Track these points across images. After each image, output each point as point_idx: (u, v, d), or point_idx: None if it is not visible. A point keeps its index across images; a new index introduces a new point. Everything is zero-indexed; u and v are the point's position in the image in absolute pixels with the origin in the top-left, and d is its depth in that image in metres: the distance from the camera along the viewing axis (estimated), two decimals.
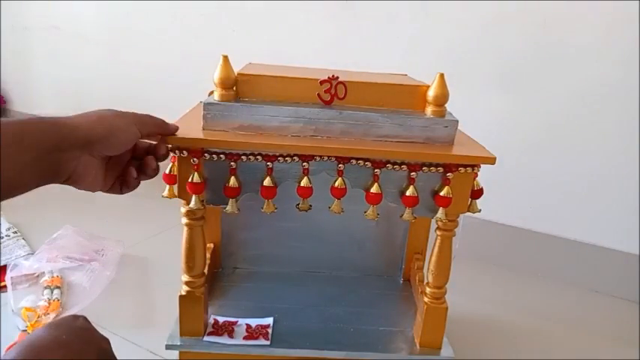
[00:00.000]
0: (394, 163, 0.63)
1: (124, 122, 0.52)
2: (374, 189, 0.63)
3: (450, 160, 0.63)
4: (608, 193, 1.12)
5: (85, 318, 0.49)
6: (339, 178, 0.63)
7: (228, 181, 0.62)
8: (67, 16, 1.71)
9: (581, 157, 1.13)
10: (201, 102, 0.66)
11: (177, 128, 0.60)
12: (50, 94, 1.88)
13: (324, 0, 1.26)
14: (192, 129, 0.63)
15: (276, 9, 1.33)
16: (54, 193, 1.30)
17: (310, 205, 0.65)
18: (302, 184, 0.63)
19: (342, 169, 0.63)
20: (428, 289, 0.72)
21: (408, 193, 0.64)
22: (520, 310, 1.08)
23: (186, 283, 0.70)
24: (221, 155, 0.62)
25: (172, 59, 1.55)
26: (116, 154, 0.53)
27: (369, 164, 0.63)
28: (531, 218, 1.21)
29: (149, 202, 1.29)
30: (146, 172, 0.58)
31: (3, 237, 1.15)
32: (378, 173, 0.63)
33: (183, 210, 0.66)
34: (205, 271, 0.72)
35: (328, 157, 0.63)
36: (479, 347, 0.94)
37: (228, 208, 0.64)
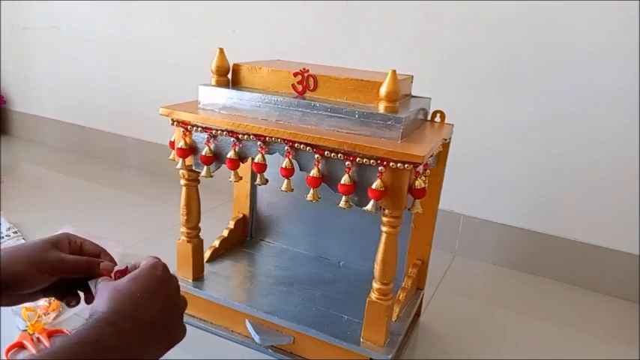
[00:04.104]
0: (332, 151, 0.67)
1: (26, 269, 0.46)
2: (313, 173, 0.68)
3: (378, 154, 0.63)
4: (608, 193, 1.10)
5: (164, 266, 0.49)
6: (287, 159, 0.70)
7: (203, 151, 0.76)
8: (67, 16, 1.71)
9: (581, 157, 1.11)
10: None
11: (109, 269, 0.50)
12: (50, 94, 1.87)
13: (325, 0, 1.26)
14: (191, 106, 0.78)
15: (276, 10, 1.33)
16: (54, 193, 1.49)
17: (266, 180, 0.73)
18: (256, 160, 0.72)
19: (289, 151, 0.70)
20: (374, 285, 0.73)
21: (342, 182, 0.67)
22: (520, 310, 1.06)
23: (183, 234, 0.86)
24: (199, 128, 0.75)
25: (172, 59, 1.54)
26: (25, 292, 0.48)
27: (310, 149, 0.68)
28: (531, 218, 1.19)
29: (149, 202, 1.48)
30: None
31: (3, 237, 1.12)
32: (318, 159, 0.68)
33: (180, 172, 0.82)
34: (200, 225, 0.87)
35: (280, 139, 0.70)
36: (478, 347, 0.92)
37: (203, 172, 0.77)
